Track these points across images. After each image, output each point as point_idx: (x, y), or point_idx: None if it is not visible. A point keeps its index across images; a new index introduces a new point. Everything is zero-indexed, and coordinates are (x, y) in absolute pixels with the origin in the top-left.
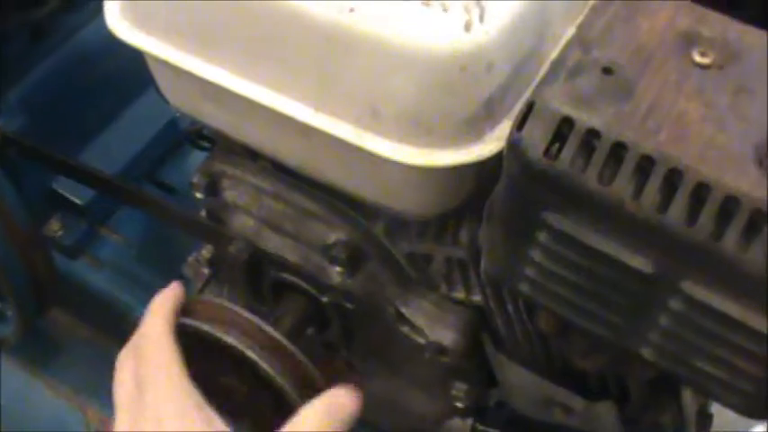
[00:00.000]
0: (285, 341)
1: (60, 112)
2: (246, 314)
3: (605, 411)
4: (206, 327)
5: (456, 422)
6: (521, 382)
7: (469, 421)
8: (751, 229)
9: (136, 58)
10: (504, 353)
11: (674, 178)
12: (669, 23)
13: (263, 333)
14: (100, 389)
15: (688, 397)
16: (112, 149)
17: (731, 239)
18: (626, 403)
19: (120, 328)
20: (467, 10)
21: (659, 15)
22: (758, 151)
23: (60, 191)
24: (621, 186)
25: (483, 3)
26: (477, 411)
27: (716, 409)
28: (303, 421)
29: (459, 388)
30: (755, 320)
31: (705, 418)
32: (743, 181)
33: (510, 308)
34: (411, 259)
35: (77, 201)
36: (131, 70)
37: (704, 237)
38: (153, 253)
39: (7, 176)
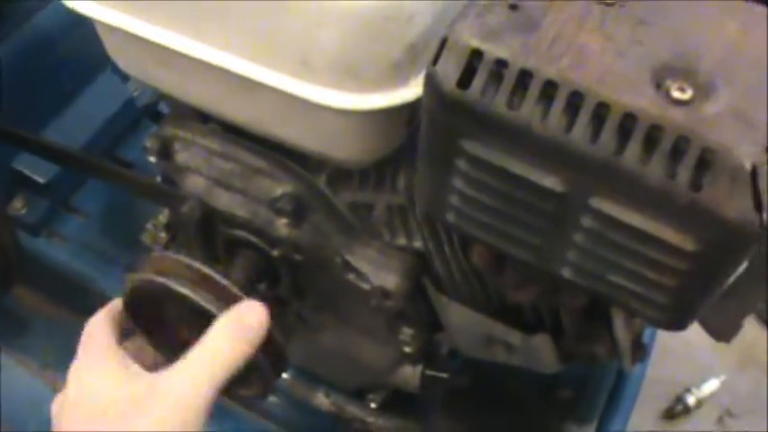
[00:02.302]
0: (218, 276)
1: (19, 93)
2: (188, 261)
3: (542, 344)
4: (151, 277)
5: (406, 369)
6: (462, 322)
7: (419, 368)
8: (649, 144)
9: (91, 40)
10: (444, 293)
11: (576, 100)
12: None
13: (223, 288)
14: (68, 363)
15: (621, 328)
16: (72, 128)
17: (631, 154)
18: (561, 336)
19: (85, 300)
20: None
21: None
22: (656, 75)
23: (22, 170)
24: (529, 110)
25: None
26: (427, 359)
27: (670, 367)
28: (211, 341)
29: (406, 333)
30: (661, 231)
31: (639, 349)
32: (640, 100)
33: (446, 247)
34: (354, 209)
35: (39, 179)
36: (88, 52)
37: (607, 153)
38: (114, 227)
39: None
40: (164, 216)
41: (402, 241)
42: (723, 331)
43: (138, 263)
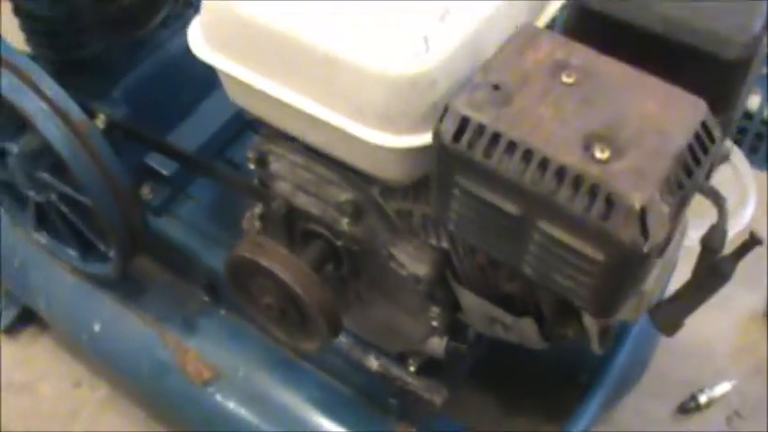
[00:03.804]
0: (311, 271)
1: (152, 104)
2: (285, 251)
3: (528, 325)
4: (257, 258)
5: (435, 340)
6: (472, 305)
7: (445, 339)
8: (575, 187)
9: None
10: (460, 283)
11: (528, 155)
12: (548, 54)
13: (295, 264)
14: (175, 318)
15: (587, 317)
16: (191, 133)
17: (563, 194)
18: (541, 320)
19: (192, 270)
20: (415, 44)
21: (542, 49)
22: (586, 139)
23: (151, 164)
24: (498, 160)
25: (428, 38)
26: (452, 332)
27: (690, 368)
28: None
29: (434, 311)
30: (582, 246)
31: (606, 336)
32: (571, 158)
33: (459, 248)
34: (398, 214)
35: (164, 172)
36: (206, 73)
37: (548, 191)
38: (218, 213)
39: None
40: (258, 209)
41: (432, 241)
42: (667, 327)
43: (238, 243)
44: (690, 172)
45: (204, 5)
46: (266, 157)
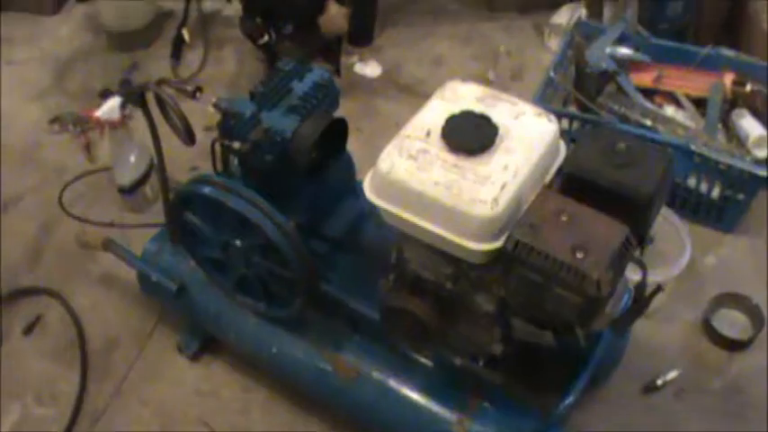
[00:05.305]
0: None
1: (318, 207)
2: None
3: (548, 335)
4: (405, 306)
5: (495, 346)
6: (517, 324)
7: (501, 346)
8: (568, 270)
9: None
10: (511, 311)
11: (548, 257)
12: (553, 205)
13: (428, 310)
14: (329, 340)
15: (578, 329)
16: (340, 220)
17: (563, 274)
18: (555, 332)
19: (342, 313)
20: (491, 203)
21: (550, 203)
22: (574, 247)
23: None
24: (533, 259)
25: (497, 199)
26: (504, 341)
27: (653, 360)
28: None
29: (497, 331)
30: (572, 297)
31: (587, 337)
32: (566, 259)
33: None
34: (477, 278)
35: (320, 251)
36: (346, 183)
37: (556, 272)
38: (366, 271)
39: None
40: (392, 276)
41: (501, 294)
42: (618, 330)
43: (390, 296)
44: (621, 262)
45: (372, 172)
46: (402, 248)
